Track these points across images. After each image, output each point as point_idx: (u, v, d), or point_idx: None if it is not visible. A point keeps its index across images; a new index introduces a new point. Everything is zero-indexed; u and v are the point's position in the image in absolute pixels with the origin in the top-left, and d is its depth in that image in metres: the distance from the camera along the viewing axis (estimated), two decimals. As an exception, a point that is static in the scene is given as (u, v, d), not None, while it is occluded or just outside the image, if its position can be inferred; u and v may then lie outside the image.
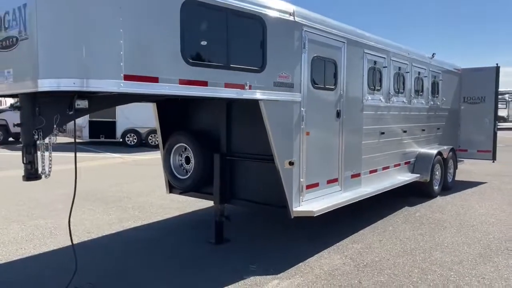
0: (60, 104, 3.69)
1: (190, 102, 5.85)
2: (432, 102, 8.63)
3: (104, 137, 18.22)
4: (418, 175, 7.75)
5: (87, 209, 7.49)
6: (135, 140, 18.23)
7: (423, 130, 8.34)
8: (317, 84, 5.25)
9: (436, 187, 8.23)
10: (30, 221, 6.73)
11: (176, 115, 6.00)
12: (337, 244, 5.50)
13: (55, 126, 3.69)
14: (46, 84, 3.19)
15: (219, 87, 4.03)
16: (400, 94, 7.31)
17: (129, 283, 4.39)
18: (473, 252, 5.21)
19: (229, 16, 4.08)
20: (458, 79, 10.10)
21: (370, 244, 5.51)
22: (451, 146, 9.12)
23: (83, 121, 18.07)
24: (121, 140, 18.22)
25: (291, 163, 4.82)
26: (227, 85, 4.09)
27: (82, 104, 3.66)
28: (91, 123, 18.07)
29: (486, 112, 10.07)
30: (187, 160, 5.82)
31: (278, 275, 4.52)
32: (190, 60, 3.77)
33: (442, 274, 4.53)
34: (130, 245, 5.60)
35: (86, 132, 18.20)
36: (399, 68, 7.22)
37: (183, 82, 3.74)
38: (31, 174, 3.71)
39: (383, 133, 6.80)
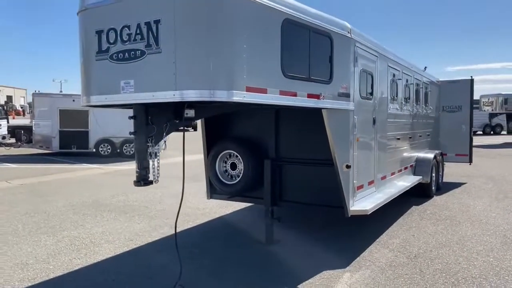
0: (169, 114, 3.94)
1: (234, 111, 6.15)
2: (425, 111, 9.48)
3: (75, 147, 17.68)
4: (421, 177, 8.50)
5: (110, 219, 7.49)
6: (109, 150, 17.85)
7: (420, 136, 9.16)
8: (362, 94, 5.78)
9: (433, 188, 9.05)
10: (58, 232, 6.66)
11: (220, 123, 6.27)
12: (378, 240, 6.03)
13: (164, 134, 3.92)
14: (184, 95, 3.44)
15: (303, 97, 4.43)
16: (407, 103, 8.05)
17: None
18: (496, 241, 5.94)
19: (311, 33, 4.50)
20: (438, 90, 11.10)
21: (406, 239, 6.09)
22: (440, 151, 10.04)
23: (52, 131, 17.48)
24: (94, 150, 17.76)
25: (348, 166, 5.29)
26: (309, 95, 4.50)
27: (190, 113, 3.93)
28: (61, 133, 17.50)
29: (463, 119, 11.14)
30: (233, 166, 6.11)
31: (346, 268, 4.95)
32: (286, 73, 4.15)
33: (484, 260, 5.19)
34: (183, 251, 5.76)
35: (56, 142, 17.57)
36: (407, 80, 7.96)
37: (282, 93, 4.11)
38: (146, 179, 3.88)
39: (398, 138, 7.48)
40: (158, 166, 4.04)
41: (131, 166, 15.51)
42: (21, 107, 62.85)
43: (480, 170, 13.04)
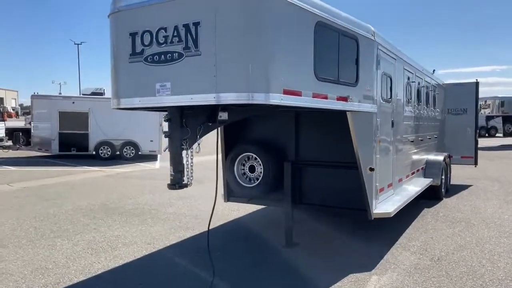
0: (203, 116, 3.91)
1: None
2: (433, 113, 9.53)
3: (75, 150, 17.51)
4: (431, 179, 8.53)
5: (123, 222, 7.42)
6: (109, 153, 17.70)
7: (429, 138, 9.20)
8: (383, 97, 5.79)
9: (443, 190, 9.08)
10: (72, 236, 6.59)
11: (238, 126, 6.24)
12: (398, 243, 6.03)
13: (198, 136, 3.89)
14: (224, 98, 3.41)
15: (333, 99, 4.42)
16: (419, 106, 8.09)
17: None
18: (514, 243, 5.98)
19: (340, 36, 4.50)
20: (444, 92, 11.17)
21: (426, 241, 6.10)
22: (448, 153, 10.09)
23: (52, 133, 17.30)
24: (94, 153, 17.61)
25: (371, 169, 5.29)
26: (338, 98, 4.49)
27: (223, 116, 3.90)
28: (61, 135, 17.33)
29: (468, 122, 11.20)
30: (251, 169, 6.08)
31: (372, 271, 4.95)
32: (319, 76, 4.14)
33: (507, 262, 5.22)
34: (205, 254, 5.71)
35: (55, 145, 17.38)
36: (419, 82, 8.00)
37: (314, 95, 4.09)
38: (181, 182, 3.84)
39: (412, 141, 7.51)
40: (192, 169, 4.00)
41: (132, 169, 15.41)
42: (13, 109, 62.20)
43: (482, 172, 13.11)
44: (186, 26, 3.51)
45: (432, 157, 9.03)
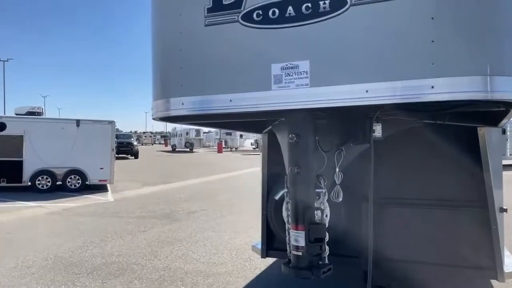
0: (344, 132, 2.08)
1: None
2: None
3: (5, 181, 14.47)
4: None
5: (100, 285, 5.21)
6: (48, 184, 14.82)
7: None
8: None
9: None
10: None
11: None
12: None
13: (337, 168, 2.06)
14: (452, 88, 1.61)
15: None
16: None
17: None
18: None
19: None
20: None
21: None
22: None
23: (-24, 162, 14.20)
24: (29, 184, 14.67)
25: (503, 210, 3.69)
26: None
27: (377, 129, 2.11)
28: (-13, 164, 14.28)
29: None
30: (306, 212, 4.25)
31: None
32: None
33: None
34: None
35: (-20, 175, 14.27)
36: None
37: None
38: (322, 263, 1.95)
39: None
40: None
41: (81, 203, 12.71)
42: None
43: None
44: None
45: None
